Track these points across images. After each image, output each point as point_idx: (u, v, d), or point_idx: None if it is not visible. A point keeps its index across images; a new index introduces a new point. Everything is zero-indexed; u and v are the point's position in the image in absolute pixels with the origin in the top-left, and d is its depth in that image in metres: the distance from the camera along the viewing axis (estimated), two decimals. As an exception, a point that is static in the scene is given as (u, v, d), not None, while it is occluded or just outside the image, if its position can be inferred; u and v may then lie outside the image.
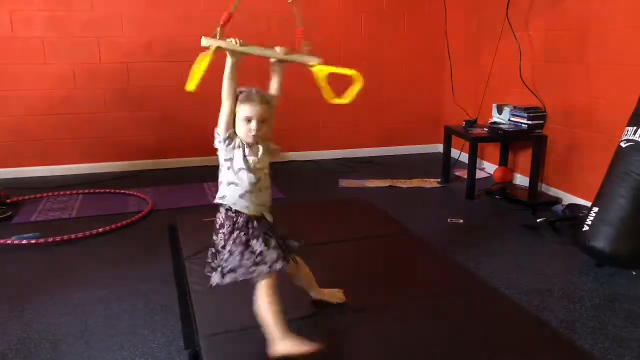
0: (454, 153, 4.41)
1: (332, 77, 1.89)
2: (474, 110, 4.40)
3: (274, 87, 1.90)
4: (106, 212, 3.40)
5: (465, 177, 3.77)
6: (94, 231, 2.98)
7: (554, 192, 3.64)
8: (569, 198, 3.48)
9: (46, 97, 4.23)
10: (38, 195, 3.70)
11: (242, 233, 1.77)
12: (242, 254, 1.75)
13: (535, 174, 3.67)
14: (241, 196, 1.78)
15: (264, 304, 1.73)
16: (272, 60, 1.89)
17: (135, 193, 3.75)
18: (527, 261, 2.65)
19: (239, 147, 1.78)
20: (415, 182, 4.08)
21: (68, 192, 3.80)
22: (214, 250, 1.85)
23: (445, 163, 4.12)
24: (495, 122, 3.91)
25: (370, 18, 4.78)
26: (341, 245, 2.71)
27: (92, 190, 3.85)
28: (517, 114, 3.73)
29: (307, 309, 2.09)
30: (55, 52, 4.17)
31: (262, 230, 1.79)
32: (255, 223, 1.80)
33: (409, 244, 2.79)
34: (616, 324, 2.06)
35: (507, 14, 3.89)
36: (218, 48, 1.80)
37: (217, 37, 1.81)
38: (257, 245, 1.76)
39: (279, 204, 3.57)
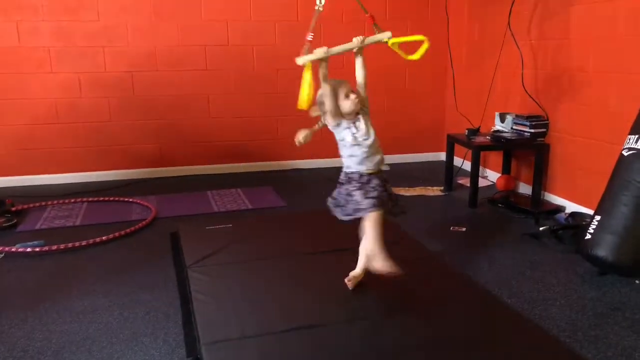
0: (457, 161, 4.42)
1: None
2: (476, 119, 4.40)
3: (360, 76, 2.29)
4: (110, 220, 3.42)
5: (468, 185, 3.77)
6: (98, 239, 3.00)
7: (556, 200, 3.63)
8: (571, 206, 3.47)
9: (52, 106, 4.27)
10: (43, 203, 3.73)
11: (351, 185, 2.19)
12: (346, 200, 2.19)
13: (538, 182, 3.67)
14: (359, 163, 2.19)
15: (371, 229, 2.11)
16: (354, 51, 2.25)
17: (139, 201, 3.77)
18: (530, 269, 2.64)
19: (347, 127, 2.18)
20: (418, 191, 4.08)
21: (72, 200, 3.83)
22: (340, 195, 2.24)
23: (448, 171, 4.12)
24: (497, 131, 3.91)
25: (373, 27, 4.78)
26: (341, 254, 2.71)
27: (96, 199, 3.88)
28: (520, 122, 3.74)
29: (309, 320, 2.10)
30: (61, 61, 4.21)
31: (366, 186, 2.17)
32: (364, 179, 2.18)
33: (410, 252, 2.79)
34: (619, 333, 2.05)
35: (509, 23, 3.91)
36: (315, 60, 2.11)
37: (307, 52, 2.15)
38: (357, 196, 2.15)
39: (280, 212, 3.60)
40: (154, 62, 4.39)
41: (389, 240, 2.86)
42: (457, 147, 4.10)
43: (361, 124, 2.20)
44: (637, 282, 2.48)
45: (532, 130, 3.64)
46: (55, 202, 3.78)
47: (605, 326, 2.10)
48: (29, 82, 4.19)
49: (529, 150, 3.81)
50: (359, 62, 2.27)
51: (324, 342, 1.95)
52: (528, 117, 3.68)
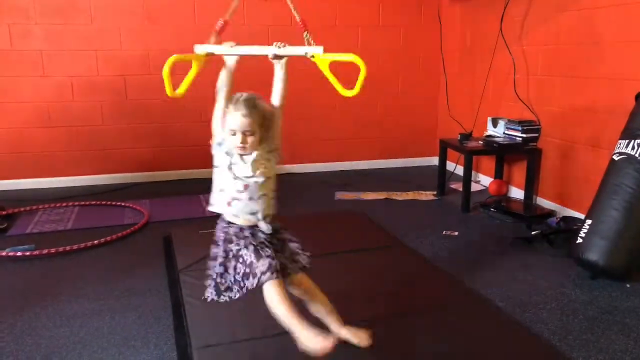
0: (450, 166, 4.43)
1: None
2: (469, 124, 4.43)
3: (276, 89, 1.84)
4: (102, 224, 3.40)
5: (461, 190, 3.78)
6: (89, 243, 2.98)
7: (548, 204, 3.65)
8: (563, 211, 3.49)
9: (44, 109, 4.25)
10: (34, 207, 3.70)
11: (234, 244, 1.72)
12: (235, 268, 1.71)
13: (530, 187, 3.69)
14: (228, 203, 1.73)
15: (275, 306, 1.64)
16: (270, 58, 1.82)
17: (131, 205, 3.75)
18: (521, 274, 2.65)
19: (227, 153, 1.73)
20: (410, 195, 4.09)
21: (64, 204, 3.80)
22: (212, 262, 1.78)
23: (441, 176, 4.13)
24: (490, 135, 3.93)
25: (366, 32, 4.82)
26: (335, 258, 2.71)
27: (88, 203, 3.86)
28: (512, 127, 3.76)
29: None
30: (53, 64, 4.20)
31: (254, 240, 1.72)
32: (247, 232, 1.74)
33: (403, 256, 2.80)
34: (610, 337, 2.06)
35: (501, 29, 3.94)
36: (209, 54, 1.82)
37: (212, 43, 1.83)
38: (248, 256, 1.68)
39: (275, 216, 3.59)
40: (147, 66, 4.38)
41: (380, 247, 2.89)
42: (449, 151, 4.12)
43: (250, 157, 1.72)
44: (628, 285, 2.49)
45: (524, 135, 3.66)
46: (46, 206, 3.76)
47: (597, 330, 2.11)
48: (21, 85, 4.17)
49: (521, 155, 3.84)
50: (278, 74, 1.82)
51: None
52: (520, 122, 3.70)
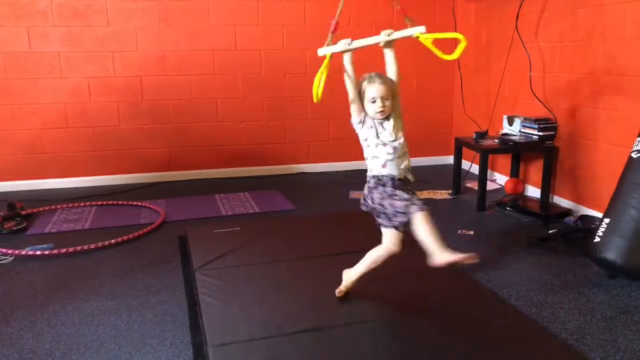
0: (465, 165, 4.41)
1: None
2: (484, 122, 4.39)
3: (391, 72, 2.14)
4: (119, 223, 3.44)
5: (476, 188, 3.75)
6: (106, 242, 3.02)
7: (565, 203, 3.61)
8: (580, 209, 3.45)
9: (61, 111, 4.31)
10: (52, 207, 3.76)
11: (388, 187, 2.05)
12: (391, 204, 2.03)
13: (547, 186, 3.65)
14: (383, 166, 2.06)
15: (428, 227, 1.96)
16: (381, 45, 2.12)
17: (147, 205, 3.79)
18: (538, 273, 2.63)
19: (371, 127, 2.08)
20: (426, 194, 4.07)
21: (82, 204, 3.86)
22: (373, 206, 2.10)
23: (456, 175, 4.11)
24: (506, 134, 3.90)
25: (380, 30, 4.79)
26: (349, 257, 2.71)
27: (105, 202, 3.90)
28: (528, 125, 3.72)
29: (316, 322, 2.10)
30: (70, 66, 4.26)
31: (404, 187, 2.07)
32: (397, 182, 2.07)
33: (418, 256, 2.79)
34: (628, 337, 2.03)
35: (516, 26, 3.90)
36: (332, 55, 2.02)
37: (329, 44, 2.04)
38: (403, 193, 2.03)
39: (288, 215, 3.60)
40: (163, 67, 4.43)
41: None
42: (465, 150, 4.09)
43: (389, 124, 2.07)
44: (647, 285, 2.46)
45: (541, 133, 3.63)
46: (64, 205, 3.81)
47: (615, 330, 2.09)
48: (39, 87, 4.24)
49: (538, 153, 3.80)
50: (389, 57, 2.14)
51: (332, 344, 1.95)
52: (536, 120, 3.66)
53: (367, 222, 3.35)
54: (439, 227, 3.38)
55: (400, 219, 2.02)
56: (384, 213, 2.07)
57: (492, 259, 2.81)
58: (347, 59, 2.06)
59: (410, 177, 2.12)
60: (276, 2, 4.54)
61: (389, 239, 2.10)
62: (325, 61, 2.01)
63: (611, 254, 2.45)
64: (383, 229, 2.11)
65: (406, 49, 4.92)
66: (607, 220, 2.53)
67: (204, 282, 2.41)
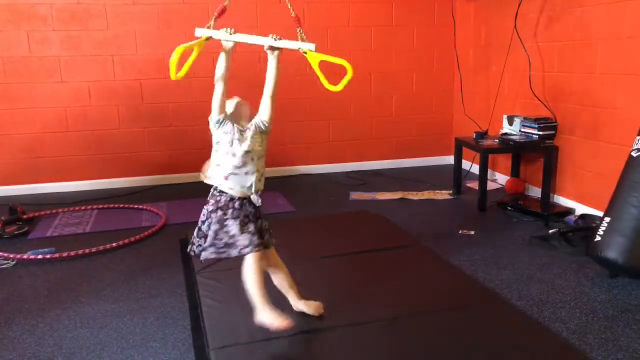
0: (466, 165, 4.41)
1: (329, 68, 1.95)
2: (484, 122, 4.40)
3: (268, 79, 2.05)
4: (120, 227, 3.44)
5: (477, 188, 3.76)
6: (108, 246, 3.02)
7: (566, 202, 3.61)
8: (581, 208, 3.45)
9: (62, 114, 4.32)
10: (54, 211, 3.77)
11: (222, 212, 1.87)
12: (216, 232, 1.87)
13: (547, 185, 3.65)
14: (225, 177, 1.89)
15: (249, 276, 1.85)
16: (265, 48, 2.00)
17: (148, 208, 3.80)
18: (539, 272, 2.63)
19: (227, 132, 1.92)
20: (426, 194, 4.07)
21: (83, 208, 3.86)
22: (198, 225, 1.95)
23: (457, 175, 4.11)
24: (506, 133, 3.90)
25: (380, 32, 4.82)
26: (351, 258, 2.72)
27: (106, 206, 3.91)
28: (528, 124, 3.72)
29: (316, 324, 2.10)
30: (70, 70, 4.27)
31: (242, 213, 1.88)
32: (237, 204, 1.88)
33: (419, 256, 2.79)
34: (629, 336, 2.03)
35: (515, 26, 3.90)
36: (209, 38, 1.94)
37: (211, 28, 1.94)
38: (233, 227, 1.86)
39: (289, 217, 3.61)
40: (163, 70, 4.43)
41: (396, 246, 2.88)
42: (465, 150, 4.09)
43: (249, 134, 1.93)
44: (648, 284, 2.46)
45: (541, 133, 3.63)
46: (65, 209, 3.82)
47: (616, 329, 2.09)
48: (40, 91, 4.24)
49: (538, 153, 3.80)
50: (271, 64, 2.01)
51: (332, 346, 1.96)
52: (536, 120, 3.66)
53: (368, 224, 3.35)
54: (440, 226, 3.39)
55: (233, 251, 1.89)
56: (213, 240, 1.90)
57: (493, 258, 2.82)
58: (226, 50, 1.96)
59: (254, 200, 1.93)
60: (275, 4, 4.55)
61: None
62: (200, 41, 1.93)
63: (612, 253, 2.45)
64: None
65: (406, 50, 4.95)
66: (607, 219, 2.53)
67: (205, 285, 2.42)
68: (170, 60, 1.85)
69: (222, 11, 2.02)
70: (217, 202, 1.90)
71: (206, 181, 1.97)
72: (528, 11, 3.83)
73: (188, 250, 1.99)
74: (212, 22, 1.97)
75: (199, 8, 4.39)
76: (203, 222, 1.93)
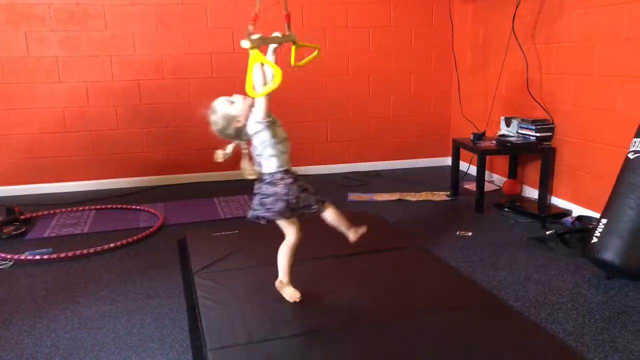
0: (463, 166, 4.42)
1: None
2: (482, 123, 4.41)
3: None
4: (118, 227, 3.44)
5: (474, 190, 3.76)
6: (106, 246, 3.02)
7: (563, 204, 3.62)
8: (578, 210, 3.46)
9: (60, 115, 4.32)
10: (51, 212, 3.76)
11: (296, 182, 2.21)
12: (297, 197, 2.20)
13: (544, 186, 3.67)
14: (279, 159, 2.19)
15: (283, 251, 2.29)
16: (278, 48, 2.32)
17: (146, 208, 3.79)
18: (536, 274, 2.64)
19: (269, 127, 2.17)
20: (424, 196, 4.08)
21: (81, 208, 3.86)
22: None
23: (454, 176, 4.12)
24: (503, 135, 3.91)
25: (378, 33, 4.83)
26: (349, 259, 2.72)
27: (104, 206, 3.91)
28: (525, 126, 3.73)
29: (314, 325, 2.11)
30: (68, 70, 4.26)
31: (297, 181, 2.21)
32: (291, 175, 2.21)
33: (417, 257, 2.80)
34: (626, 337, 2.04)
35: (513, 28, 3.91)
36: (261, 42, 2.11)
37: (251, 35, 2.08)
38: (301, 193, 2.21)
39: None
40: (161, 71, 4.44)
41: (393, 247, 2.89)
42: (462, 151, 4.10)
43: (279, 125, 2.23)
44: (644, 285, 2.47)
45: (538, 134, 3.64)
46: (63, 210, 3.82)
47: (613, 330, 2.09)
48: (37, 91, 4.24)
49: (535, 154, 3.81)
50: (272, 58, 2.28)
51: (330, 347, 1.96)
52: (533, 121, 3.67)
53: (366, 224, 3.35)
54: (438, 228, 3.39)
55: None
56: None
57: (490, 260, 2.82)
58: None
59: (295, 170, 2.28)
60: (274, 5, 4.53)
61: (295, 229, 2.26)
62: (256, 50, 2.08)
63: (609, 255, 2.46)
64: (287, 222, 2.25)
65: (404, 51, 4.95)
66: (604, 221, 2.54)
67: (203, 286, 2.42)
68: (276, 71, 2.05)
69: (256, 18, 2.17)
70: (283, 177, 2.19)
71: (268, 171, 2.21)
72: (525, 13, 3.84)
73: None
74: (250, 29, 2.13)
75: (197, 9, 4.40)
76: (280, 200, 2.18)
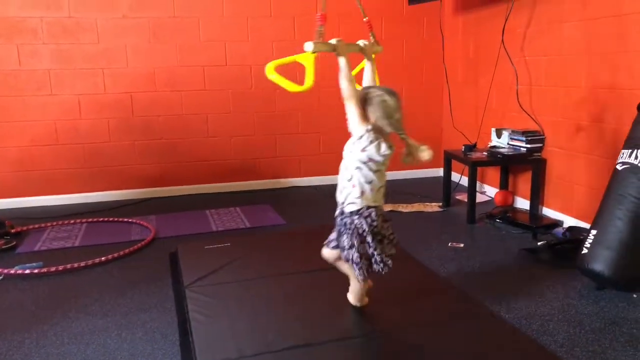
0: (455, 177, 4.44)
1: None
2: (473, 135, 4.44)
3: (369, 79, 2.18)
4: (109, 240, 3.43)
5: (466, 201, 3.78)
6: (97, 260, 3.00)
7: (554, 214, 3.64)
8: (569, 220, 3.48)
9: (51, 128, 4.31)
10: (42, 225, 3.74)
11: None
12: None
13: (536, 197, 3.69)
14: (373, 192, 2.01)
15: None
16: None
17: (138, 221, 3.78)
18: (527, 285, 2.64)
19: (376, 140, 1.99)
20: (416, 207, 4.09)
21: (72, 222, 3.84)
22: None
23: (446, 187, 4.14)
24: (494, 146, 3.94)
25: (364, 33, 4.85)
26: (341, 272, 2.71)
27: (95, 219, 3.89)
28: (516, 137, 3.76)
29: (306, 338, 2.10)
30: (60, 83, 4.26)
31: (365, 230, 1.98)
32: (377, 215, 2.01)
33: (408, 268, 2.80)
34: (616, 348, 2.05)
35: (502, 40, 3.96)
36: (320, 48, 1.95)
37: (320, 39, 1.94)
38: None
39: (279, 230, 3.61)
40: (153, 83, 4.44)
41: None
42: (454, 163, 4.13)
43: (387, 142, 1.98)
44: (634, 296, 2.48)
45: (529, 146, 3.67)
46: (54, 223, 3.80)
47: (603, 341, 2.10)
48: (29, 104, 4.24)
49: (526, 165, 3.84)
50: (371, 67, 2.19)
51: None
52: (524, 133, 3.70)
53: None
54: (430, 239, 3.40)
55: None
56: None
57: (482, 271, 2.83)
58: (342, 61, 2.03)
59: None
60: (265, 18, 4.59)
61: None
62: (305, 55, 1.97)
63: (598, 266, 2.47)
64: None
65: (396, 64, 4.98)
66: (594, 232, 2.55)
67: (194, 299, 2.41)
68: (271, 78, 1.96)
69: (324, 19, 2.01)
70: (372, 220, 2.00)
71: (351, 209, 2.04)
72: (515, 26, 3.89)
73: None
74: (319, 31, 1.99)
75: (190, 22, 4.42)
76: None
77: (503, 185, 4.13)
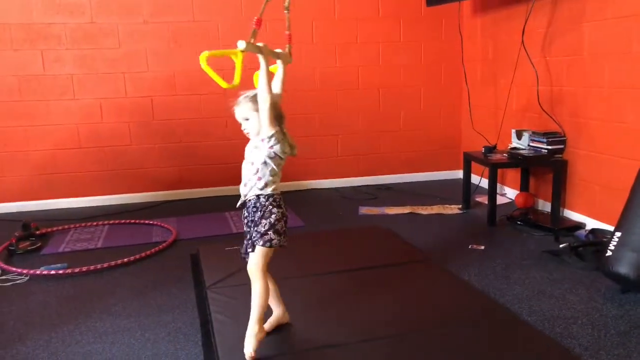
0: (475, 179, 4.41)
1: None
2: (493, 136, 4.40)
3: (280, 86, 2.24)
4: (131, 242, 3.47)
5: (487, 203, 3.75)
6: (119, 261, 3.05)
7: (576, 217, 3.60)
8: (592, 223, 3.44)
9: (74, 131, 4.39)
10: (66, 227, 3.81)
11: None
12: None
13: (557, 199, 3.64)
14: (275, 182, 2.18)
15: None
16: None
17: (159, 223, 3.83)
18: (550, 288, 2.62)
19: (282, 138, 2.17)
20: (435, 209, 4.08)
21: (94, 223, 3.90)
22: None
23: (466, 189, 4.11)
24: (514, 148, 3.90)
25: (388, 48, 4.86)
26: (361, 273, 2.72)
27: (117, 221, 3.94)
28: (537, 139, 3.73)
29: (327, 339, 2.10)
30: (83, 88, 4.34)
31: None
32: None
33: (429, 271, 2.79)
34: (642, 352, 2.02)
35: (522, 41, 3.92)
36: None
37: (252, 40, 2.07)
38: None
39: (298, 232, 3.62)
40: (173, 87, 4.50)
41: (405, 262, 2.88)
42: (474, 164, 4.10)
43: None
44: (660, 299, 2.44)
45: (550, 147, 3.63)
46: (77, 225, 3.86)
47: (629, 345, 2.07)
48: (53, 108, 4.32)
49: (547, 167, 3.80)
50: (283, 73, 2.27)
51: (342, 362, 1.95)
52: (545, 134, 3.67)
53: (377, 239, 3.35)
54: (450, 241, 3.38)
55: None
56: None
57: (503, 273, 2.81)
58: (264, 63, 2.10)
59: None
60: (283, 21, 4.60)
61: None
62: (234, 51, 2.14)
63: (623, 268, 2.43)
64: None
65: (414, 65, 4.97)
66: (618, 234, 2.52)
67: (216, 300, 2.43)
68: (203, 68, 2.09)
69: (259, 23, 2.12)
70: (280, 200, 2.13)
71: (266, 192, 2.14)
72: (535, 26, 3.85)
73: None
74: (253, 34, 2.09)
75: (210, 26, 4.47)
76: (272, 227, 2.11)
77: (524, 187, 4.09)
